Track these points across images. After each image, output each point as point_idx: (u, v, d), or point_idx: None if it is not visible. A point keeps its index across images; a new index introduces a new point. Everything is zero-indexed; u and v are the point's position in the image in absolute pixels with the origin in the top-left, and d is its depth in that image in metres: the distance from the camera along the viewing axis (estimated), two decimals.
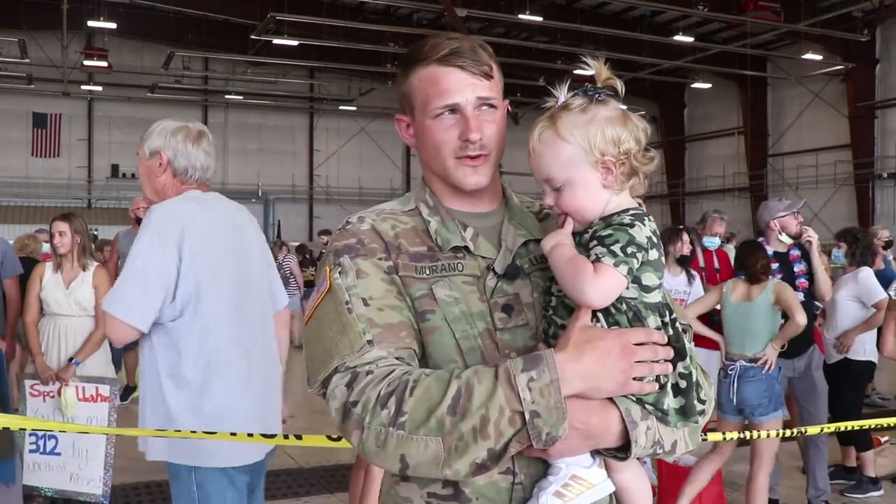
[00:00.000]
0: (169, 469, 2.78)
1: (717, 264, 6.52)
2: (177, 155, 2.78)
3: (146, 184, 2.87)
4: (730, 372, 4.54)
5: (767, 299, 4.55)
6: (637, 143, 1.38)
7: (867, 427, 4.92)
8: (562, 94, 1.41)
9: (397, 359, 1.34)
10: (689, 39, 25.37)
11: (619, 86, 1.41)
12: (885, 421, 3.99)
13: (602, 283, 1.30)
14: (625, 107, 1.40)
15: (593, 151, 1.36)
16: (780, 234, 5.08)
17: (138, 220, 7.05)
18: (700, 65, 27.39)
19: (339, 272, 1.41)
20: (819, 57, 24.89)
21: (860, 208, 26.24)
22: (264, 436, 2.74)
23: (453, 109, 1.44)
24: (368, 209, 1.54)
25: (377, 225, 1.48)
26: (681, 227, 6.53)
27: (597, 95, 1.39)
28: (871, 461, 5.58)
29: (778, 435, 4.30)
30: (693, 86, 30.86)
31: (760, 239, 5.26)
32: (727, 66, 27.52)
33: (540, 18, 23.28)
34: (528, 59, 27.05)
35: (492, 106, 1.46)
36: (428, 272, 1.43)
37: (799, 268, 5.04)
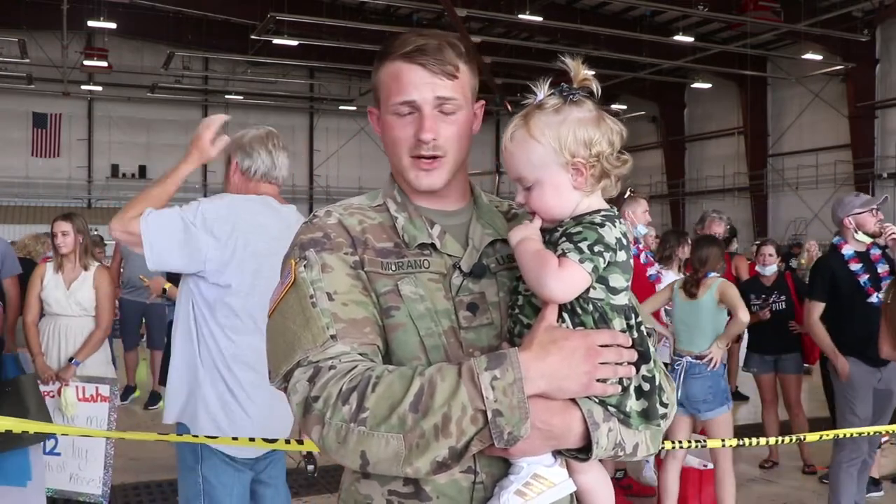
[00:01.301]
0: (178, 458, 2.85)
1: None
2: (242, 156, 2.96)
3: (230, 191, 3.02)
4: (676, 367, 4.65)
5: (712, 298, 4.65)
6: (610, 146, 1.37)
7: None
8: (541, 92, 1.40)
9: (361, 355, 1.33)
10: (689, 39, 25.37)
11: (596, 87, 1.39)
12: (886, 428, 3.98)
13: (566, 278, 1.29)
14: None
15: (563, 152, 1.35)
16: (857, 232, 4.71)
17: None
18: (700, 65, 27.39)
19: (305, 265, 1.40)
20: (819, 57, 24.89)
21: None
22: (266, 440, 2.79)
23: (412, 107, 1.43)
24: (336, 203, 1.53)
25: (344, 219, 1.47)
26: (686, 231, 6.51)
27: (571, 96, 1.38)
28: (877, 463, 5.58)
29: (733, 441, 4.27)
30: (693, 86, 30.82)
31: (836, 239, 4.88)
32: (727, 66, 27.51)
33: (540, 18, 23.29)
34: (528, 59, 27.04)
35: (453, 107, 1.44)
36: (394, 268, 1.42)
37: (882, 268, 4.69)
